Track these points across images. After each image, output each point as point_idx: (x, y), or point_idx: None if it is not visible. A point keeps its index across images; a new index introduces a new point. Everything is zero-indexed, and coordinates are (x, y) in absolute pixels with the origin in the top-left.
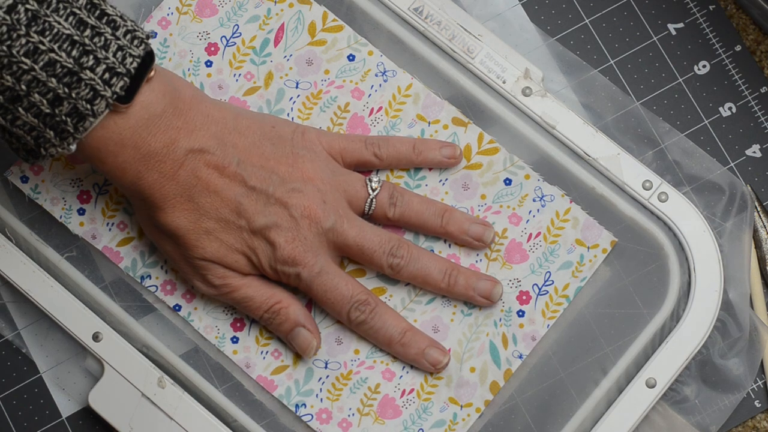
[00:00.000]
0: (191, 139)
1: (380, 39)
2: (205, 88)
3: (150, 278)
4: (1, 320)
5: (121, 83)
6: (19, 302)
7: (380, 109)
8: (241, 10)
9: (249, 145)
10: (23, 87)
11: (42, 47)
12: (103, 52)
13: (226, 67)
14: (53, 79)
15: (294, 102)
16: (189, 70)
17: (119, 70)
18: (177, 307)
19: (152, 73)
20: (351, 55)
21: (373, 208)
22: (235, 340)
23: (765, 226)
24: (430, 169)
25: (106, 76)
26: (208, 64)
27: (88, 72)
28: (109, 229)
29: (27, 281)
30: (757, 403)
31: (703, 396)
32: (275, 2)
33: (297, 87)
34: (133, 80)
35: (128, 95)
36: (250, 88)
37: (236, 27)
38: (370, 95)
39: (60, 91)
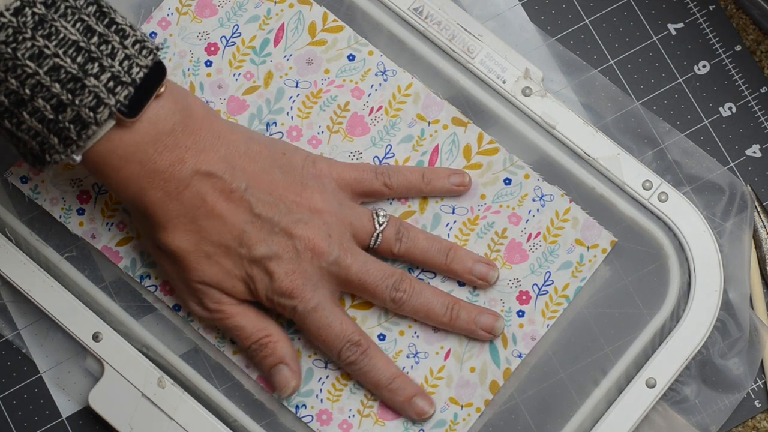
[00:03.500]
0: (199, 160)
1: (380, 39)
2: (205, 87)
3: (149, 278)
4: (1, 320)
5: (126, 92)
6: (19, 302)
7: (380, 108)
8: (241, 11)
9: (258, 171)
10: (27, 91)
11: (47, 51)
12: (109, 60)
13: (225, 67)
14: (57, 85)
15: (293, 101)
16: (189, 70)
17: (124, 79)
18: (176, 308)
19: (163, 89)
20: (351, 54)
21: (378, 242)
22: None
23: (765, 226)
24: None
25: (111, 84)
26: (208, 64)
27: (92, 79)
28: (109, 229)
29: (27, 281)
30: (757, 403)
31: (703, 396)
32: (275, 2)
33: (297, 86)
34: (141, 93)
35: (136, 109)
36: (250, 87)
37: (236, 27)
38: (370, 94)
39: (63, 98)
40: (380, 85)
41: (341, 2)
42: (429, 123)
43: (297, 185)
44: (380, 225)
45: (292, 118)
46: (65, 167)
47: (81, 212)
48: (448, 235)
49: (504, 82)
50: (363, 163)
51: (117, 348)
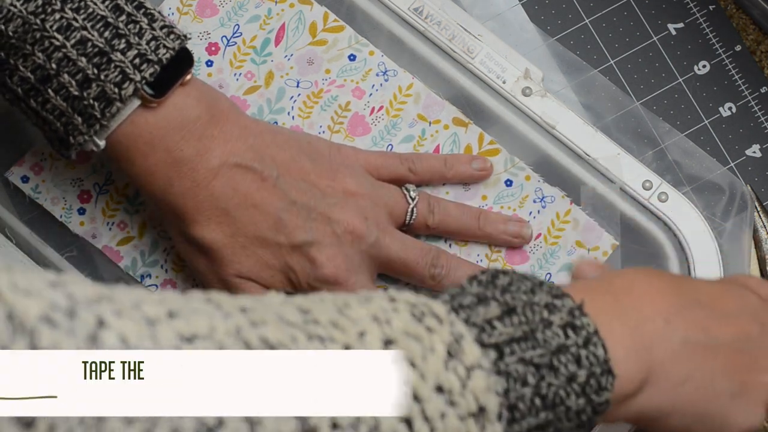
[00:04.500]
0: (227, 150)
1: (380, 39)
2: None
3: (150, 277)
4: None
5: (151, 70)
6: None
7: (381, 108)
8: (242, 11)
9: (288, 159)
10: (53, 66)
11: (75, 24)
12: (136, 39)
13: (226, 67)
14: (83, 59)
15: (294, 101)
16: None
17: (150, 57)
18: None
19: (189, 77)
20: (352, 54)
21: (414, 217)
22: None
23: (765, 226)
24: None
25: (137, 61)
26: (209, 63)
27: (118, 54)
28: (110, 229)
29: None
30: None
31: None
32: (276, 2)
33: (298, 86)
34: (167, 76)
35: (160, 91)
36: (251, 87)
37: (237, 27)
38: (371, 94)
39: (89, 72)
40: (381, 85)
41: (342, 2)
42: (430, 123)
43: (327, 170)
44: (413, 200)
45: (293, 117)
46: (66, 166)
47: (82, 212)
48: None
49: (504, 82)
50: (387, 151)
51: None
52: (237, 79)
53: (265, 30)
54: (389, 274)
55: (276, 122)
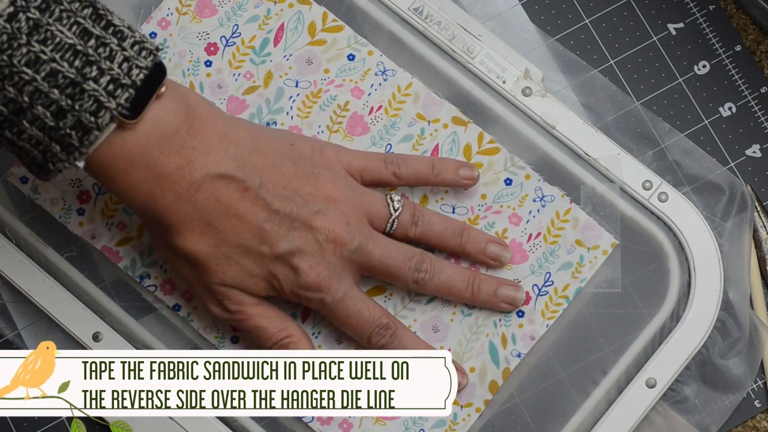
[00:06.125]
0: (208, 162)
1: (380, 39)
2: (205, 87)
3: (149, 278)
4: (1, 320)
5: (126, 95)
6: (19, 302)
7: (380, 108)
8: (241, 11)
9: (269, 166)
10: (26, 99)
11: (43, 57)
12: (108, 63)
13: (225, 67)
14: (55, 90)
15: (293, 101)
16: (189, 70)
17: (124, 81)
18: (176, 307)
19: (163, 89)
20: (351, 54)
21: (394, 227)
22: (234, 340)
23: (765, 226)
24: None
25: (111, 87)
26: (208, 63)
27: (91, 83)
28: (109, 229)
29: (27, 281)
30: (757, 403)
31: (703, 396)
32: (275, 2)
33: (297, 86)
34: (141, 94)
35: (136, 110)
36: (250, 87)
37: (236, 27)
38: (369, 94)
39: (63, 103)
40: (380, 84)
41: (341, 2)
42: (429, 122)
43: (309, 176)
44: (395, 210)
45: (292, 117)
46: None
47: (81, 212)
48: None
49: (504, 82)
50: (372, 151)
51: (117, 348)
52: (236, 80)
53: (264, 30)
54: (374, 278)
55: (275, 122)
